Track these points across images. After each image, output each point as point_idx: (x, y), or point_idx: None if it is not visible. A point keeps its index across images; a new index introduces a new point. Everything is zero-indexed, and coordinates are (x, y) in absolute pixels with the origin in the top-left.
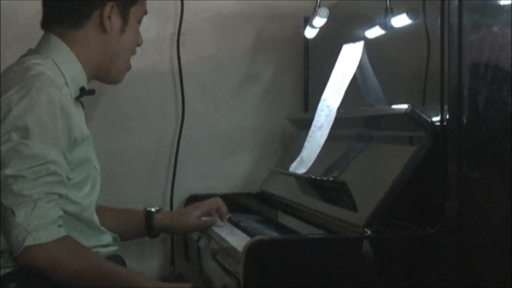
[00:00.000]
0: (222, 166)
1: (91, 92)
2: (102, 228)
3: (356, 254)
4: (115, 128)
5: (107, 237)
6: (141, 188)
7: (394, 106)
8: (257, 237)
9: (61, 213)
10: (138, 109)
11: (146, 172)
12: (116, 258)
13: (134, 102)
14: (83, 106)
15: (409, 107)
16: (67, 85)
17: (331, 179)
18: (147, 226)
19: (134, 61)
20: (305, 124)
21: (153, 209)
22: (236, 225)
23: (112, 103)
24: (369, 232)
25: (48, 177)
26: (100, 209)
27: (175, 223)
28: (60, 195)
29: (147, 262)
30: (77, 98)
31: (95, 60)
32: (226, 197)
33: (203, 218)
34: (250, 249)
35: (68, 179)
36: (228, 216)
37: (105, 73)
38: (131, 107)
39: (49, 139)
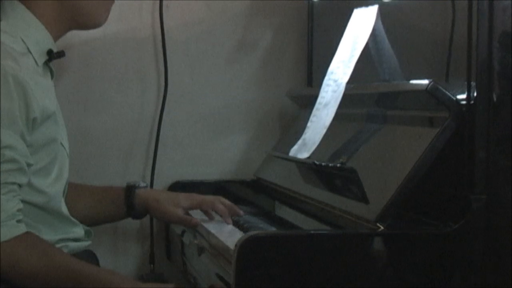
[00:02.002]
0: (210, 148)
1: (61, 54)
2: (73, 219)
3: (367, 253)
4: (87, 103)
5: (78, 230)
6: (116, 174)
7: (413, 82)
8: (251, 233)
9: (21, 205)
10: (114, 81)
11: (122, 154)
12: (88, 254)
13: (109, 73)
14: (52, 73)
15: (430, 82)
16: (30, 51)
17: (338, 165)
18: (126, 203)
19: (110, 25)
20: (308, 101)
21: (136, 184)
22: None
23: (83, 74)
24: (382, 227)
25: (4, 165)
26: (71, 186)
27: (157, 205)
28: (20, 185)
29: (122, 259)
30: (46, 63)
31: (60, 10)
32: (215, 185)
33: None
34: (243, 247)
35: (29, 165)
36: (233, 216)
37: (78, 18)
38: (106, 79)
39: (4, 120)
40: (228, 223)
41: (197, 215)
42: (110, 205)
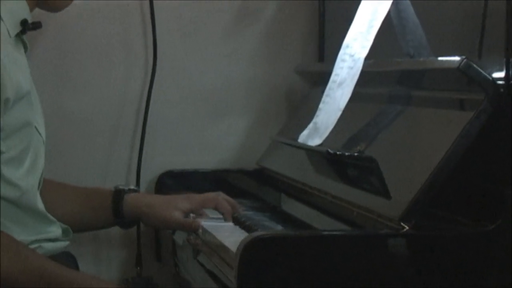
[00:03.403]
0: (207, 133)
1: (36, 25)
2: (50, 216)
3: (389, 256)
4: (64, 80)
5: (56, 229)
6: (97, 162)
7: (442, 58)
8: (255, 233)
9: None
10: (95, 55)
11: (105, 140)
12: (66, 256)
13: (89, 45)
14: (25, 47)
15: (462, 59)
16: (1, 19)
17: (355, 154)
18: (113, 210)
19: None
20: (320, 79)
21: (126, 188)
22: None
23: (59, 47)
24: (407, 227)
25: None
26: (50, 186)
27: (152, 210)
28: None
29: (105, 261)
30: (19, 35)
31: None
32: (212, 175)
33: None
34: (247, 249)
35: (0, 152)
36: (235, 214)
37: None
38: (85, 52)
39: None
40: (228, 221)
41: None
42: (96, 210)
